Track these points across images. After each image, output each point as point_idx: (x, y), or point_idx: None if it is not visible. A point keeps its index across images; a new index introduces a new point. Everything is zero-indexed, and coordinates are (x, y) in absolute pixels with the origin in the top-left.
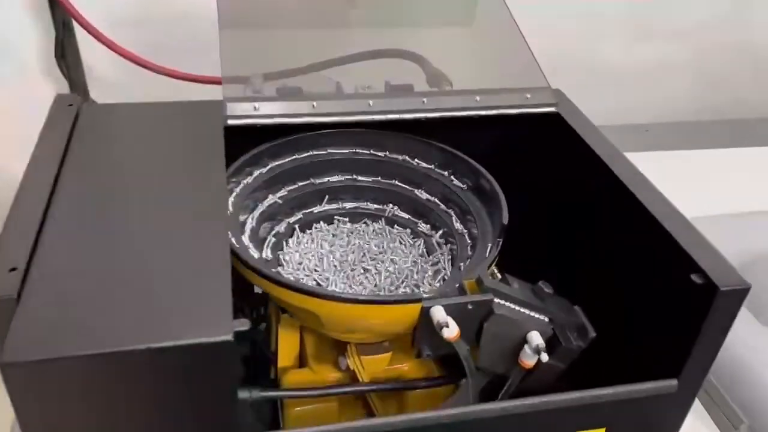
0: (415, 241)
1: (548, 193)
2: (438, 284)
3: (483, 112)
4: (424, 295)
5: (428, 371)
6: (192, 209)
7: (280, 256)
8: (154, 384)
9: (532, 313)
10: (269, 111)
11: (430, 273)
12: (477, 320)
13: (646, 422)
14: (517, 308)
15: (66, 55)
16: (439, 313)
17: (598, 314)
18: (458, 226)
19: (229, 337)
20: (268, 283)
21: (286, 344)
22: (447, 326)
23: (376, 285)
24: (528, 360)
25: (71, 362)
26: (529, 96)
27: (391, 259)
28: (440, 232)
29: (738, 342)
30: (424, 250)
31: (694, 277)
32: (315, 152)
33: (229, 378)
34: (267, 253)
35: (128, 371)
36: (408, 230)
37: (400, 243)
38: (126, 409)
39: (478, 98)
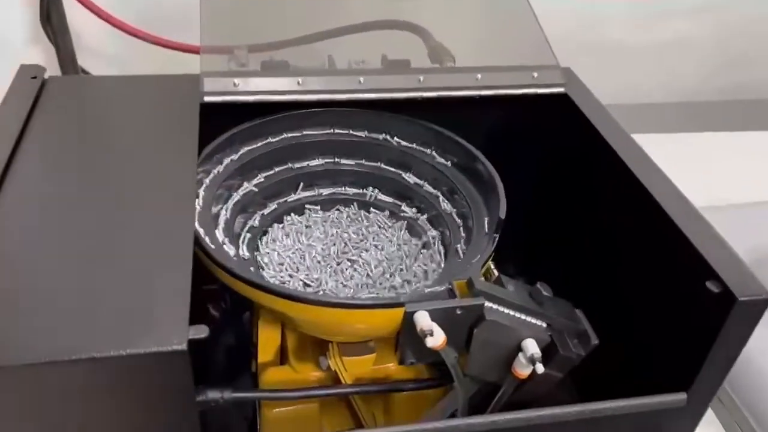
0: (395, 223)
1: (553, 181)
2: (429, 264)
3: (484, 92)
4: (408, 298)
5: (416, 372)
6: (156, 198)
7: (258, 257)
8: (107, 392)
9: (528, 318)
10: (250, 87)
11: (420, 257)
12: (466, 326)
13: None
14: (512, 313)
15: (51, 18)
16: (423, 320)
17: (602, 318)
18: (446, 206)
19: (183, 346)
20: (244, 286)
21: (266, 339)
22: (431, 334)
23: (368, 275)
24: (522, 370)
25: (18, 371)
26: (536, 75)
27: (375, 246)
28: (426, 215)
29: (752, 345)
30: (406, 231)
31: (710, 285)
32: (290, 134)
33: (185, 387)
34: (243, 249)
35: (78, 379)
36: (386, 212)
37: (379, 227)
38: (82, 417)
39: (479, 76)
